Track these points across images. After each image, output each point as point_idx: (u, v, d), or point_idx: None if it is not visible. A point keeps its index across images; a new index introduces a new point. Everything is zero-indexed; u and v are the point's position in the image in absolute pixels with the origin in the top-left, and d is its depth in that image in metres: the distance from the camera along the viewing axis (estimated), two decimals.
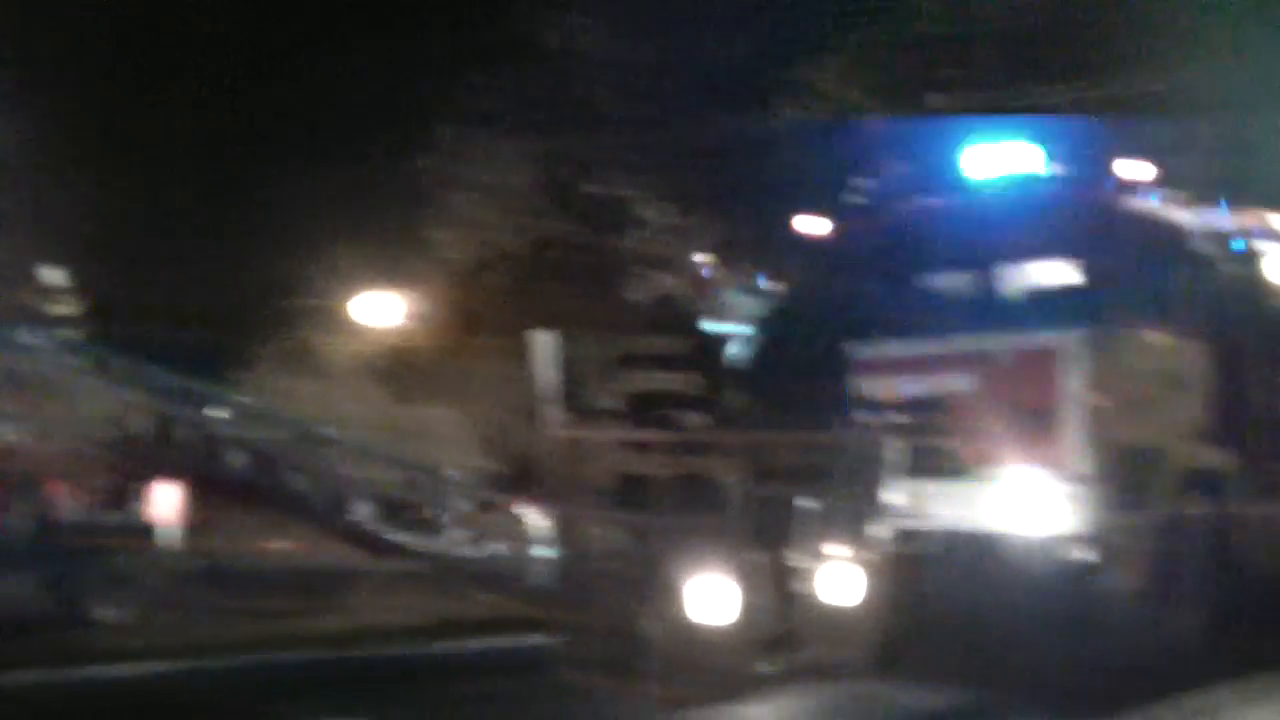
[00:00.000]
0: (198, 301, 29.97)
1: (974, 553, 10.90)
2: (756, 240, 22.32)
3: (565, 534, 8.33)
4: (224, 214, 28.86)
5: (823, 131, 23.15)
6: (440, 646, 12.23)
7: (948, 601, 12.21)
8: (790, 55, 23.91)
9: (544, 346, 16.88)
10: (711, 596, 7.59)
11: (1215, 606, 11.45)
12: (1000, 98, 22.18)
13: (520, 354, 21.65)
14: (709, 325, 8.60)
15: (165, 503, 16.87)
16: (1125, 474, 10.46)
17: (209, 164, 28.83)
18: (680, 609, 7.55)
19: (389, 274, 27.36)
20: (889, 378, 11.08)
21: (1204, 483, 11.34)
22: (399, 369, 26.21)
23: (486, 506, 12.21)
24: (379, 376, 25.55)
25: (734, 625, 7.67)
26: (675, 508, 7.64)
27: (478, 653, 11.80)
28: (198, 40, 26.90)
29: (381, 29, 28.04)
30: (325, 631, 13.09)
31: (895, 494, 8.96)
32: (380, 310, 27.54)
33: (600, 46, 24.38)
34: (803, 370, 9.09)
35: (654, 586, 7.61)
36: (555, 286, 25.90)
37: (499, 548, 10.72)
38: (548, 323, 21.77)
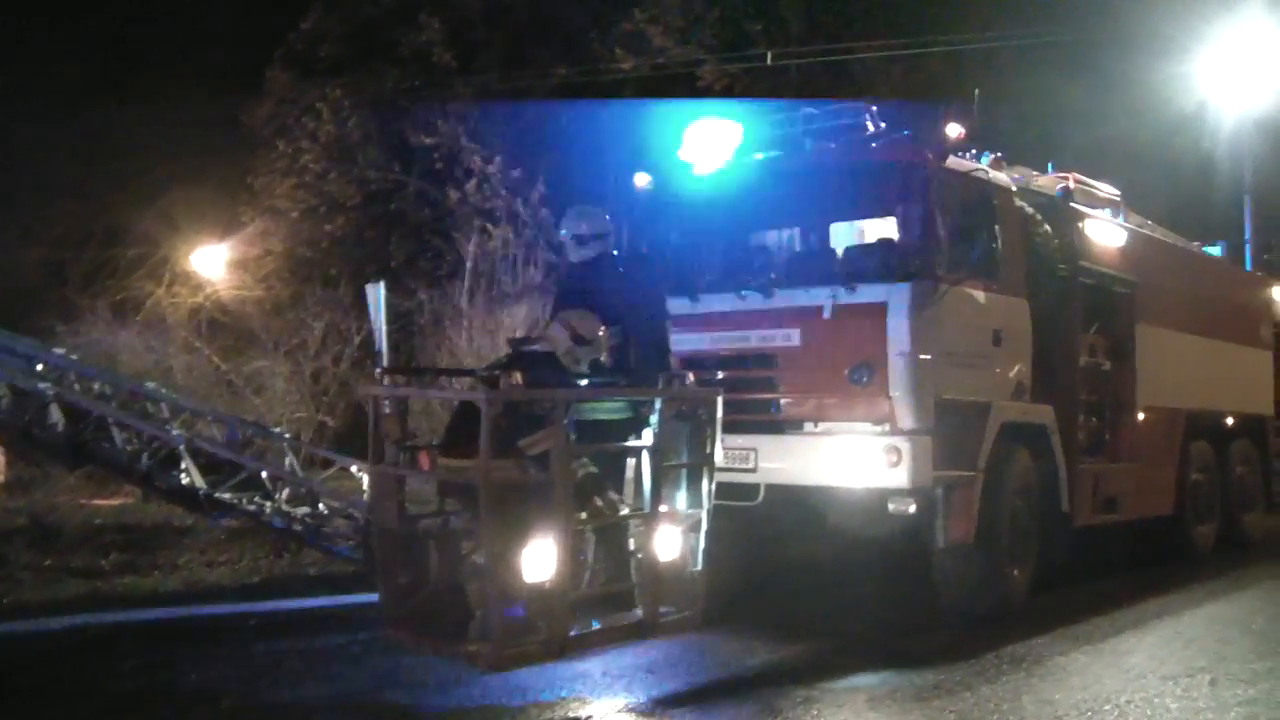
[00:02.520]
0: (18, 251, 29.18)
1: (800, 507, 11.03)
2: (588, 192, 22.35)
3: (384, 491, 8.13)
4: (45, 160, 28.03)
5: (662, 84, 23.23)
6: (266, 604, 12.02)
7: (776, 555, 12.39)
8: (626, 4, 23.86)
9: (374, 298, 16.75)
10: (534, 555, 7.53)
11: (1039, 558, 11.73)
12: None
13: (355, 307, 21.50)
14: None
15: None
16: (949, 428, 10.61)
17: (30, 107, 27.99)
18: (503, 568, 7.48)
19: (222, 225, 26.90)
20: (715, 332, 11.17)
21: (1027, 437, 11.59)
22: (232, 321, 25.83)
23: (315, 462, 12.05)
24: (212, 329, 25.18)
25: (558, 584, 7.62)
26: (497, 464, 7.52)
27: (301, 611, 11.62)
28: None
29: None
30: (152, 590, 12.83)
31: (721, 449, 8.91)
32: (213, 261, 27.06)
33: None
34: (627, 326, 9.02)
35: (476, 545, 7.53)
36: (390, 238, 25.76)
37: (324, 506, 10.57)
38: (382, 275, 21.71)
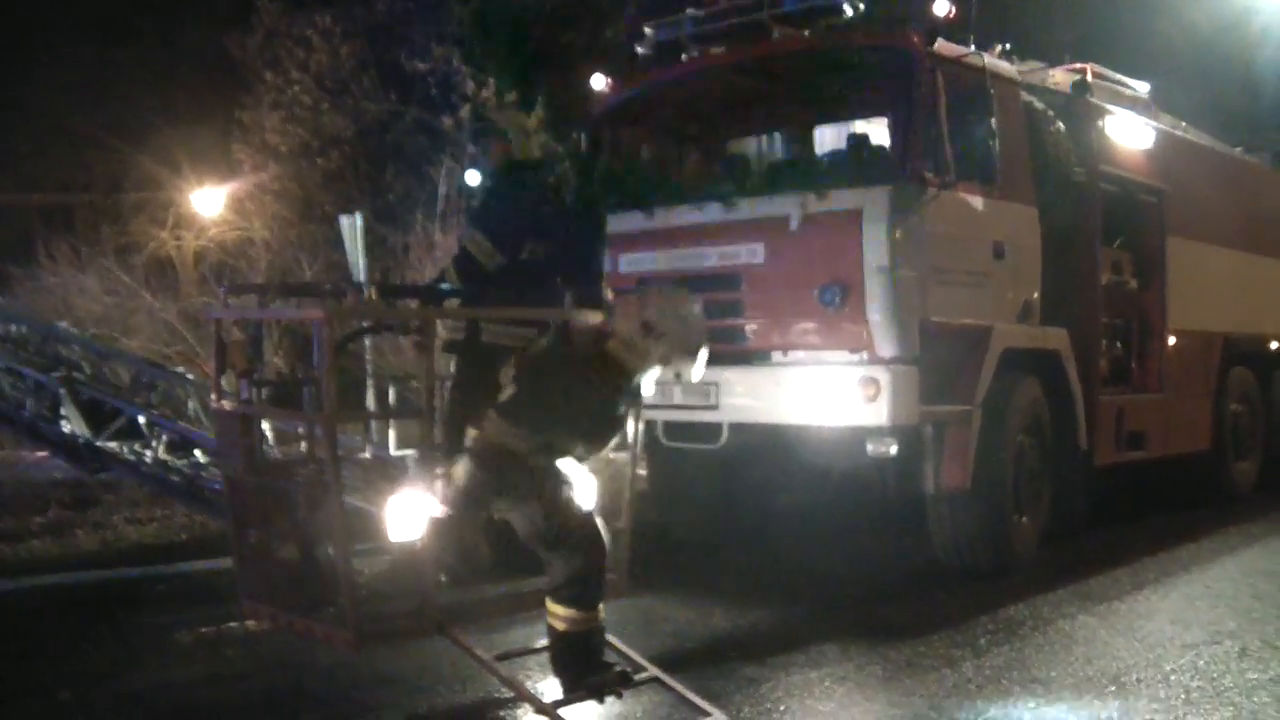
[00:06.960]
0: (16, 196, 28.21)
1: (769, 449, 9.61)
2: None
3: (229, 433, 6.73)
4: (41, 104, 27.04)
5: None
6: (183, 566, 10.68)
7: (742, 505, 10.98)
8: None
9: (349, 230, 15.53)
10: (411, 513, 6.15)
11: (1053, 504, 10.28)
12: None
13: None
14: None
15: None
16: (940, 356, 9.14)
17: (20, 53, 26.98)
18: (376, 529, 6.14)
19: (223, 165, 25.88)
20: (670, 250, 9.72)
21: (1037, 366, 10.10)
22: (221, 261, 24.83)
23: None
24: (197, 269, 24.23)
25: (438, 547, 6.27)
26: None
27: (216, 572, 10.26)
28: None
29: None
30: (61, 554, 11.51)
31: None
32: (212, 203, 25.97)
33: None
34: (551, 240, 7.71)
35: (344, 502, 6.13)
36: (386, 171, 24.65)
37: (200, 454, 9.21)
38: (378, 209, 20.40)
